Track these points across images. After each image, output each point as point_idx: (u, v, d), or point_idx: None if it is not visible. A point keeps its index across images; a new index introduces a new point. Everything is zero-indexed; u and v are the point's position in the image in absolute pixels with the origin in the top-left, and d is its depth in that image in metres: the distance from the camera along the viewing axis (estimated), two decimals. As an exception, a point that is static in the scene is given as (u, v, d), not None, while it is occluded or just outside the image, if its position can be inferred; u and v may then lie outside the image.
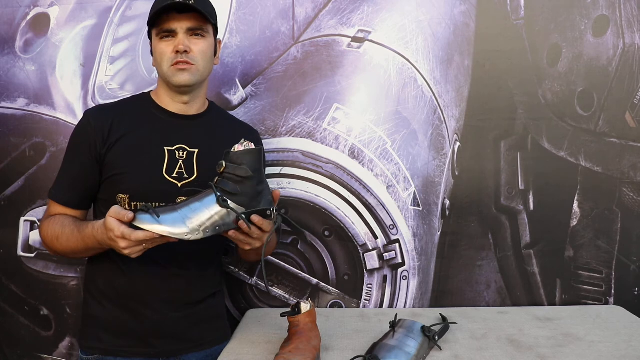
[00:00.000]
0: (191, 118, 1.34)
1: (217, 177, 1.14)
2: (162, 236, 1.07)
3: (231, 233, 1.14)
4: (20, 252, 1.65)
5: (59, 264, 1.65)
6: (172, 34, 1.26)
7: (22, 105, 1.63)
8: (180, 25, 1.25)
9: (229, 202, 1.11)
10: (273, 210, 1.16)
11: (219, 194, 1.11)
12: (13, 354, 1.69)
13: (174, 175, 1.28)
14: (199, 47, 1.27)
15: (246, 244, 1.18)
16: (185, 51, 1.25)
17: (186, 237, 1.09)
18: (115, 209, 1.08)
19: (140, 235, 1.06)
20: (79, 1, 1.61)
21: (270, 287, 1.65)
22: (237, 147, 1.13)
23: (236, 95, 1.61)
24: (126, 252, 1.09)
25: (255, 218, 1.13)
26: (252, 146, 1.14)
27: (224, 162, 1.12)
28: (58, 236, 1.24)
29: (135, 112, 1.32)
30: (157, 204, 1.24)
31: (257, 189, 1.14)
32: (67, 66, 1.62)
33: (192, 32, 1.27)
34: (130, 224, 1.07)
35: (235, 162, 1.12)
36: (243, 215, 1.12)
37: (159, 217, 1.07)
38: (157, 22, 1.27)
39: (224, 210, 1.11)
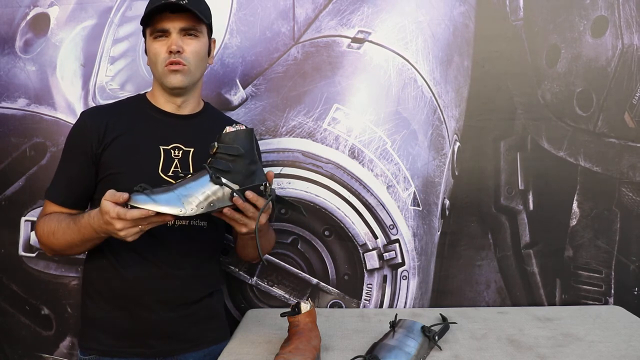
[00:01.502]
0: (186, 118, 1.35)
1: (209, 159, 1.16)
2: (157, 214, 1.07)
3: (226, 211, 1.15)
4: (21, 252, 1.65)
5: (60, 263, 1.65)
6: (165, 33, 1.26)
7: (23, 105, 1.63)
8: (173, 25, 1.25)
9: (223, 179, 1.12)
10: (267, 185, 1.17)
11: (212, 172, 1.12)
12: (14, 354, 1.69)
13: (170, 174, 1.28)
14: (192, 47, 1.27)
15: (242, 225, 1.17)
16: (178, 51, 1.25)
17: (180, 213, 1.09)
18: (110, 192, 1.08)
19: (136, 213, 1.06)
20: (79, 1, 1.61)
21: (270, 287, 1.66)
22: (229, 129, 1.16)
23: (236, 95, 1.62)
24: (122, 233, 1.09)
25: (249, 194, 1.14)
26: (243, 127, 1.17)
27: (216, 143, 1.15)
28: (54, 231, 1.23)
29: (131, 113, 1.33)
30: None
31: (250, 168, 1.16)
32: (68, 66, 1.62)
33: (186, 32, 1.27)
34: (126, 206, 1.07)
35: (227, 142, 1.14)
36: (237, 191, 1.13)
37: (153, 196, 1.07)
38: (151, 22, 1.27)
39: (218, 188, 1.12)
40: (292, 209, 1.29)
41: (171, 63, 1.25)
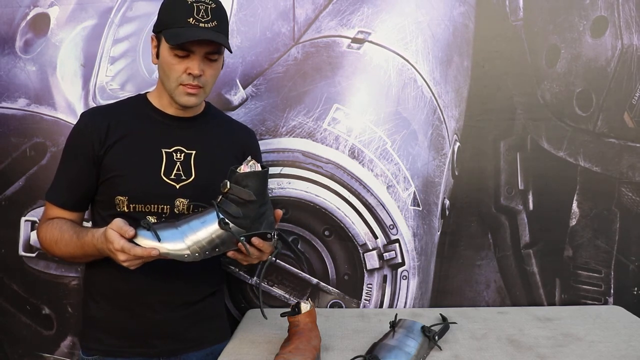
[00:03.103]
0: (188, 120, 1.34)
1: (220, 196, 1.13)
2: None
3: (230, 254, 1.16)
4: (21, 252, 1.66)
5: (60, 263, 1.65)
6: (187, 52, 1.22)
7: (23, 105, 1.63)
8: (200, 50, 1.21)
9: (230, 224, 1.11)
10: (273, 234, 1.16)
11: (221, 215, 1.10)
12: (14, 353, 1.69)
13: (172, 177, 1.28)
14: (212, 70, 1.25)
15: (244, 262, 1.20)
16: (199, 75, 1.23)
17: (185, 258, 1.09)
18: (117, 223, 1.09)
19: (139, 251, 1.08)
20: (79, 1, 1.61)
21: (270, 287, 1.66)
22: (243, 168, 1.11)
23: (237, 95, 1.62)
24: (125, 264, 1.11)
25: (255, 240, 1.14)
26: (258, 167, 1.13)
27: (228, 183, 1.11)
28: (57, 241, 1.24)
29: (132, 114, 1.32)
30: (156, 206, 1.25)
31: (260, 211, 1.14)
32: (68, 66, 1.62)
33: (208, 54, 1.23)
34: (131, 240, 1.08)
35: (240, 183, 1.11)
36: (243, 238, 1.12)
37: (159, 236, 1.07)
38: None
39: (224, 232, 1.11)
40: (294, 254, 1.29)
41: (189, 85, 1.23)
